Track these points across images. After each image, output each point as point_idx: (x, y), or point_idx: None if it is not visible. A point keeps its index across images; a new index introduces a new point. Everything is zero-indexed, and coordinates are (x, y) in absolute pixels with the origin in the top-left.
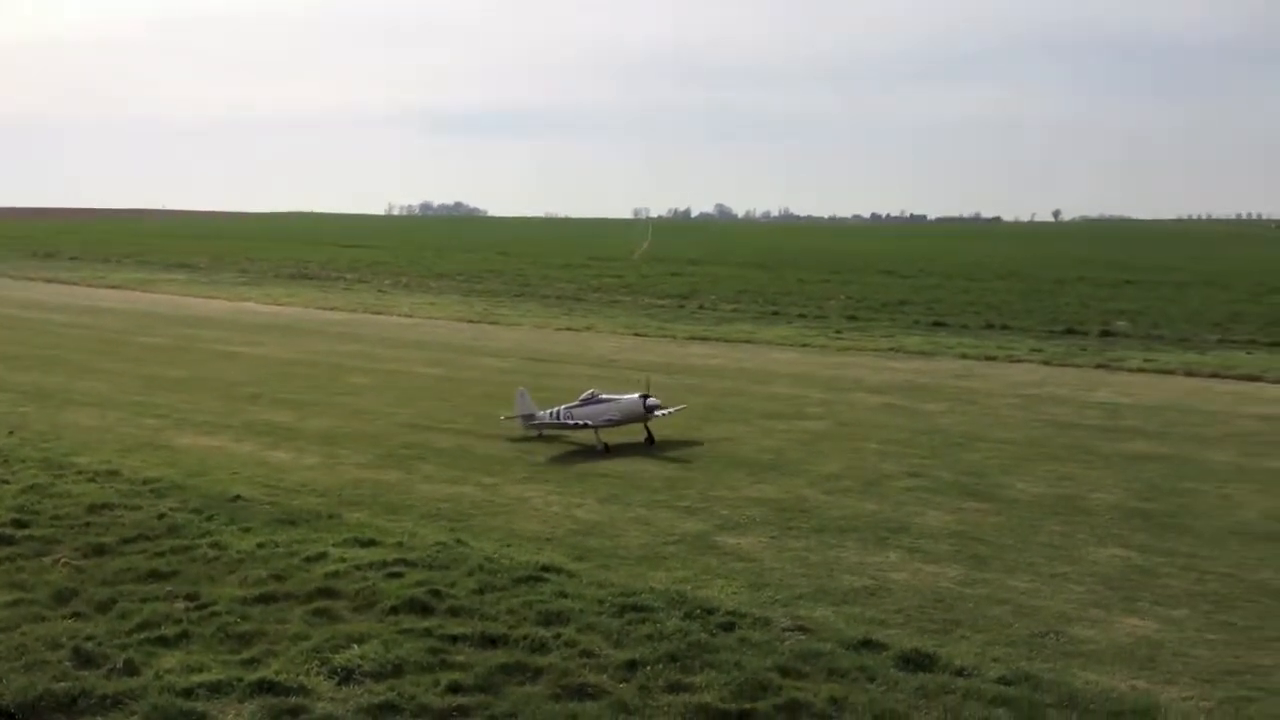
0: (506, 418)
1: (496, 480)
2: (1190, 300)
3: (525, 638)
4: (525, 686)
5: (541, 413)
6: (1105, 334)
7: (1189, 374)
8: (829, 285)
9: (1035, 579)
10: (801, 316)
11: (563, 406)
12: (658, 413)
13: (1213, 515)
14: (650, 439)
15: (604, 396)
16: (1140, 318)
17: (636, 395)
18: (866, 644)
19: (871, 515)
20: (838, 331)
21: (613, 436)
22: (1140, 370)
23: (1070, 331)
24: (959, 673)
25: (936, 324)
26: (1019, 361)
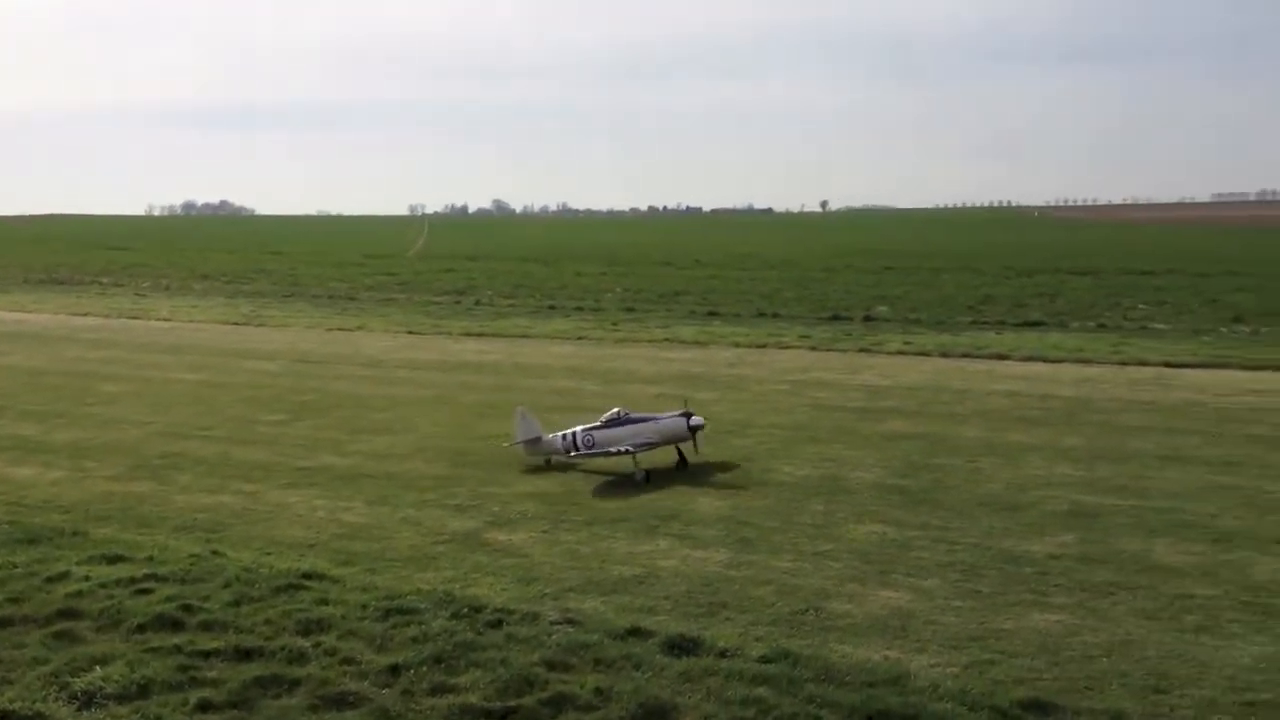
0: (509, 445)
1: (258, 487)
2: (945, 285)
3: (283, 649)
4: (281, 699)
5: (550, 436)
6: (868, 319)
7: (944, 355)
8: (606, 278)
9: (798, 558)
10: (579, 310)
11: (579, 428)
12: (700, 433)
13: (963, 488)
14: (683, 461)
15: (635, 416)
16: (900, 302)
17: (677, 413)
18: (634, 632)
19: (643, 505)
20: (614, 324)
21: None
22: (899, 353)
23: (836, 318)
24: (722, 654)
25: (711, 314)
26: (788, 348)
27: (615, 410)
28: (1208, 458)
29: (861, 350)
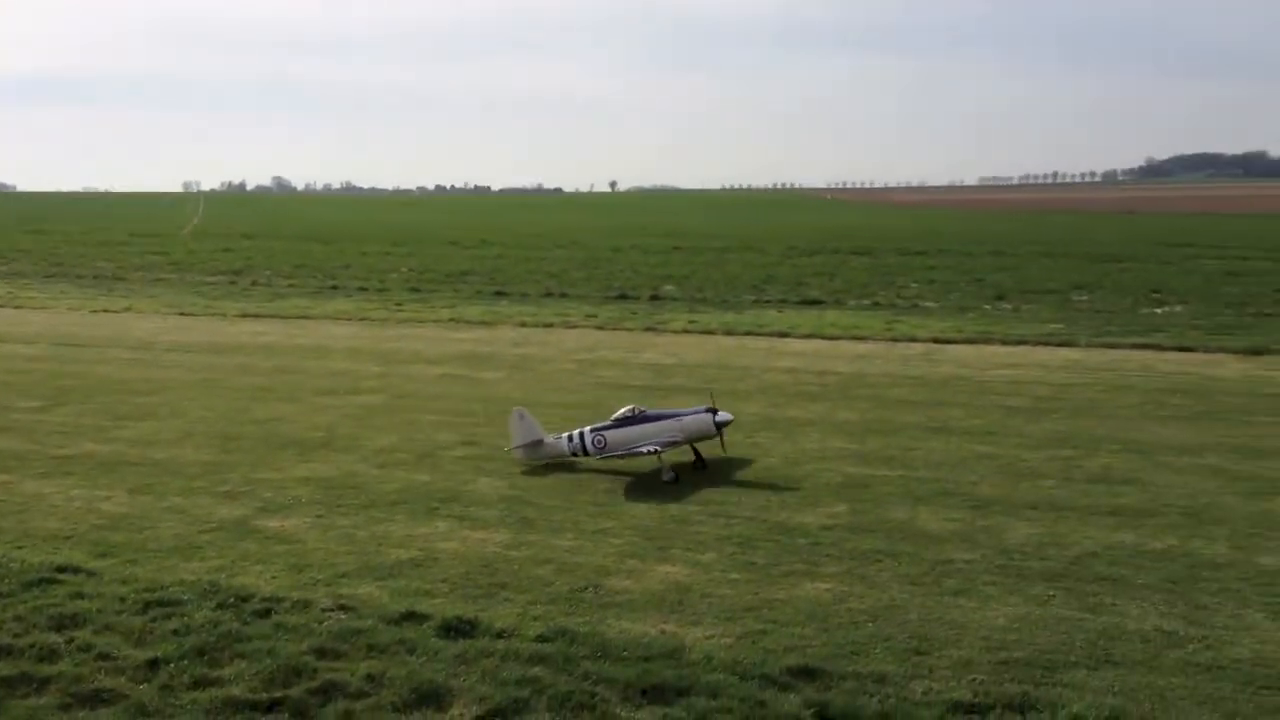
0: (508, 450)
1: (9, 478)
2: (730, 265)
3: (33, 646)
4: (30, 699)
5: (554, 438)
6: (654, 298)
7: (728, 333)
8: (391, 258)
9: (579, 536)
10: (362, 290)
11: (587, 429)
12: (725, 429)
13: (738, 462)
14: (701, 461)
15: (652, 413)
16: (686, 282)
17: (703, 409)
18: (409, 616)
19: (423, 486)
20: (399, 304)
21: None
22: (685, 331)
23: (623, 297)
24: (499, 635)
25: (498, 294)
26: (575, 327)
27: (629, 408)
28: (969, 429)
29: (648, 329)
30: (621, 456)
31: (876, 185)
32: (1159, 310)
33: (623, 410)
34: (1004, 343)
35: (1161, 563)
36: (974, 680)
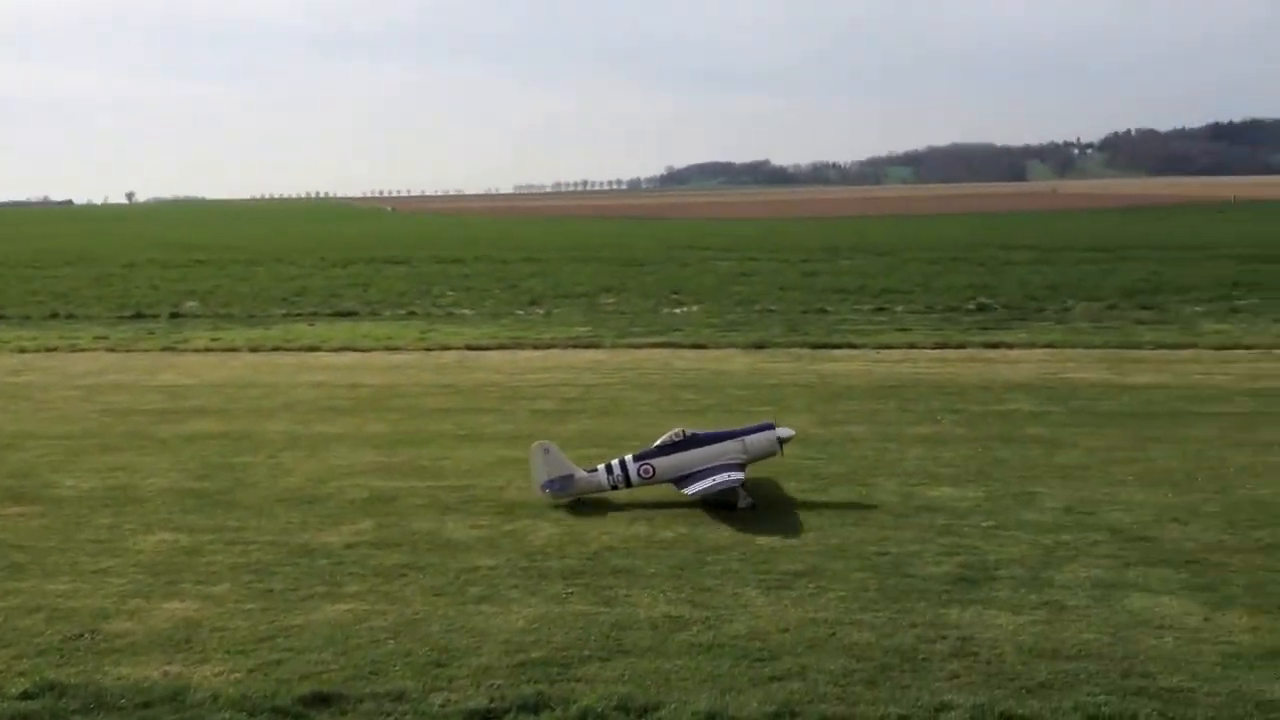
0: (539, 493)
1: None
2: (259, 278)
3: None
4: None
5: (587, 473)
6: (175, 315)
7: (254, 350)
8: None
9: (76, 579)
10: None
11: (628, 457)
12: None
13: (263, 485)
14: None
15: (705, 435)
16: (210, 297)
17: (767, 427)
18: None
19: None
20: None
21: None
22: (207, 349)
23: (140, 315)
24: None
25: None
26: (83, 351)
27: (676, 431)
28: (499, 434)
29: (166, 349)
30: (722, 487)
31: (414, 194)
32: (678, 310)
33: (669, 434)
34: (535, 347)
35: (671, 550)
36: (492, 686)
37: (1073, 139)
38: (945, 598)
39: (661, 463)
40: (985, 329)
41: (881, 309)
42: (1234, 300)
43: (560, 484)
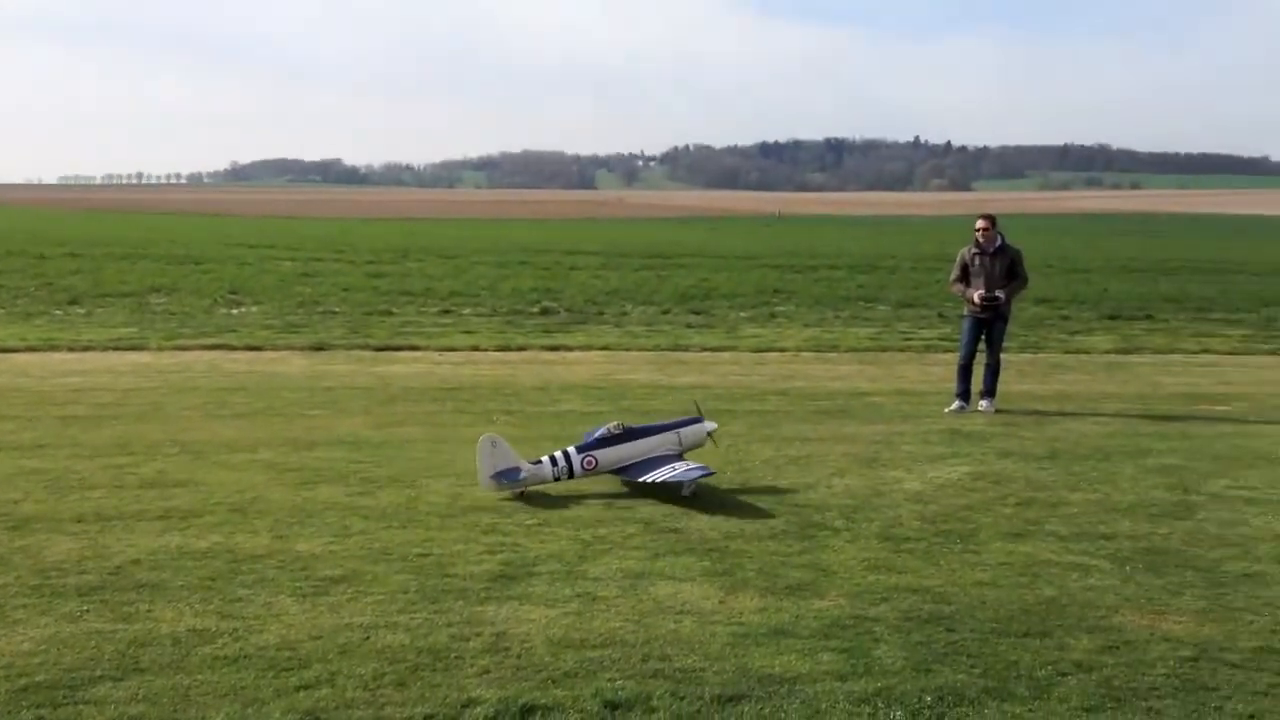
0: (482, 488)
1: None
2: None
3: None
4: None
5: (533, 465)
6: None
7: None
8: None
9: None
10: None
11: (571, 449)
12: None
13: None
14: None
15: (638, 428)
16: None
17: (697, 420)
18: None
19: None
20: None
21: None
22: None
23: None
24: None
25: None
26: None
27: (613, 425)
28: (21, 443)
29: None
30: (678, 478)
31: None
32: (235, 311)
33: (605, 428)
34: (71, 349)
35: (204, 561)
36: None
37: (638, 151)
38: (484, 595)
39: (604, 455)
40: (547, 332)
41: (448, 311)
42: (773, 306)
43: (508, 475)
